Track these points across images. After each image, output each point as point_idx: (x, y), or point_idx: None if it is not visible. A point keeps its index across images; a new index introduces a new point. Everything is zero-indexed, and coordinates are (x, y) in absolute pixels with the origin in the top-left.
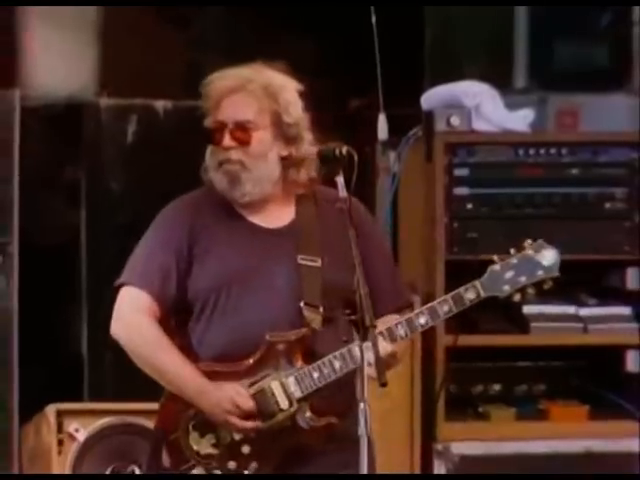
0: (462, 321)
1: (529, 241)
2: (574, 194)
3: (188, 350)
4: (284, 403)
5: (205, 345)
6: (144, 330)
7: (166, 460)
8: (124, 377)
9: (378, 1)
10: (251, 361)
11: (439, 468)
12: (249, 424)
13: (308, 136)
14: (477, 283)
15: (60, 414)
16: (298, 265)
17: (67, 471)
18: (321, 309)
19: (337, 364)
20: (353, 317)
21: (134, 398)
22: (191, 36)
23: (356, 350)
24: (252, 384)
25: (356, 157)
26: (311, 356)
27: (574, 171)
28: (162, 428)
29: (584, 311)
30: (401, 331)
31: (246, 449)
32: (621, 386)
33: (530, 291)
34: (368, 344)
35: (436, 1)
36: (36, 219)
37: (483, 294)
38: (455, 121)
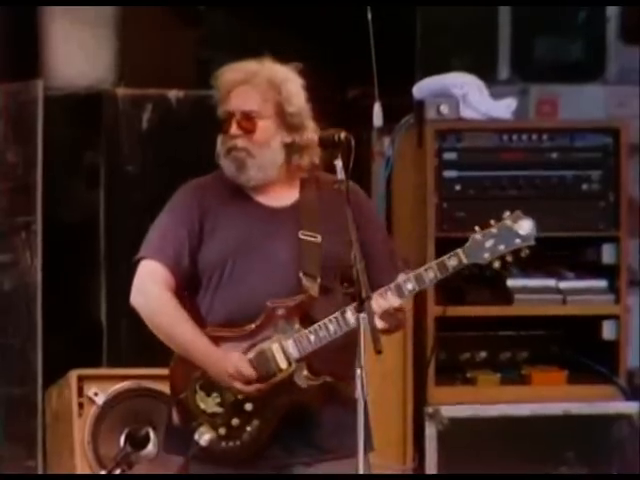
0: (451, 293)
1: (508, 212)
2: (553, 176)
3: (197, 317)
4: (283, 363)
5: (212, 312)
6: (161, 301)
7: (176, 418)
8: (140, 344)
9: (374, 1)
10: (253, 326)
11: (430, 429)
12: (250, 388)
13: (311, 124)
14: (459, 251)
15: (81, 379)
16: (299, 240)
17: (87, 432)
18: (319, 279)
19: (332, 328)
20: (350, 290)
21: (149, 364)
22: (201, 32)
23: (349, 315)
24: (254, 346)
25: (353, 142)
26: (308, 321)
27: (553, 155)
28: (172, 389)
29: (563, 284)
30: (391, 297)
31: (249, 406)
32: (597, 353)
33: (509, 259)
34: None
35: (426, 2)
36: (58, 199)
37: (465, 261)
38: (444, 109)
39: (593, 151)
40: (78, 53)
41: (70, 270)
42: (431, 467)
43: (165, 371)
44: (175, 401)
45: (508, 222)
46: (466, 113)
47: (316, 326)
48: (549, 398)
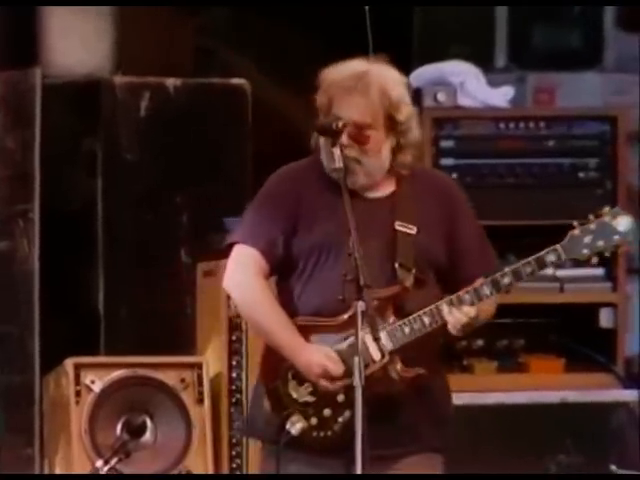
0: None
1: (607, 208)
2: (551, 164)
3: (288, 303)
4: (377, 355)
5: (304, 300)
6: (252, 289)
7: (267, 406)
8: (137, 333)
9: None
10: (346, 316)
11: None
12: (337, 385)
13: (414, 123)
14: (558, 247)
15: (78, 367)
16: (395, 231)
17: (84, 420)
18: (413, 271)
19: (427, 320)
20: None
21: (146, 352)
22: (199, 20)
23: (444, 307)
24: (346, 337)
25: None
26: (402, 312)
27: (551, 143)
28: (264, 378)
29: (561, 272)
30: (486, 290)
31: (341, 397)
32: (594, 341)
33: (607, 254)
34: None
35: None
36: (56, 187)
37: (564, 257)
38: (441, 97)
39: (590, 139)
40: (76, 41)
41: (68, 258)
42: None
43: (163, 359)
44: (266, 389)
45: (607, 218)
46: (463, 101)
47: (411, 318)
48: (546, 386)
